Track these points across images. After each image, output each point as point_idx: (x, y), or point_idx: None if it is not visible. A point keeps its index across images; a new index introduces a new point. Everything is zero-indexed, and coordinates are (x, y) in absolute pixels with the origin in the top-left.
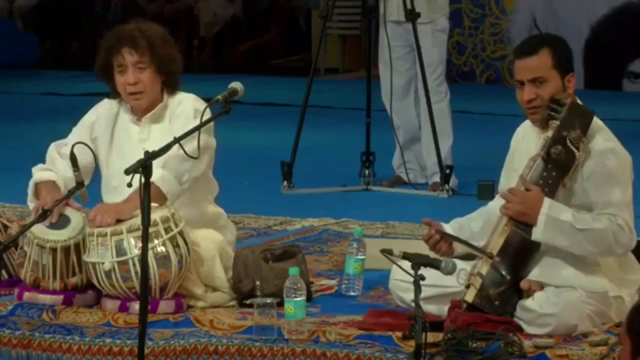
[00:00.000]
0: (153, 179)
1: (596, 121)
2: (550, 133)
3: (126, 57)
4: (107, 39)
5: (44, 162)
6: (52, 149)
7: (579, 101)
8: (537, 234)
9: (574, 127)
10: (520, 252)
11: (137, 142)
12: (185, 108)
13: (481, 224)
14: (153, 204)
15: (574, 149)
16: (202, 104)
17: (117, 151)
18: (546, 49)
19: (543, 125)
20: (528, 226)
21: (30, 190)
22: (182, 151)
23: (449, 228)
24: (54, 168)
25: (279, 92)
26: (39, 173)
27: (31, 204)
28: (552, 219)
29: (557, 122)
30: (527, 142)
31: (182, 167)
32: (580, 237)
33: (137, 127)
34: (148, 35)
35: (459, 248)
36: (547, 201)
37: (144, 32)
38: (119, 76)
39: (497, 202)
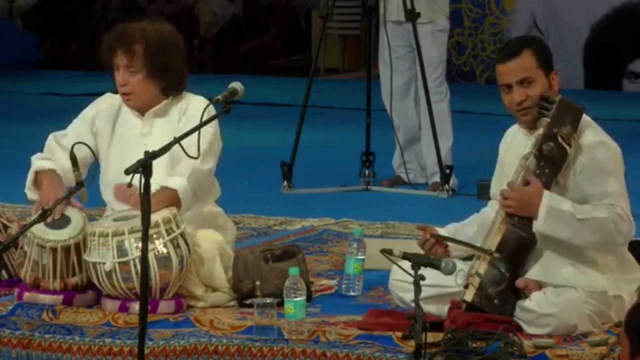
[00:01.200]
0: (176, 186)
1: (585, 117)
2: (541, 131)
3: (119, 58)
4: (109, 35)
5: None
6: (51, 139)
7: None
8: (538, 226)
9: (564, 123)
10: (517, 250)
11: (139, 137)
12: (198, 113)
13: (475, 229)
14: (161, 209)
15: (565, 145)
16: (213, 109)
17: (118, 145)
18: (528, 49)
19: (531, 125)
20: (525, 224)
21: (29, 178)
22: (203, 167)
23: (444, 232)
24: (53, 158)
25: (279, 92)
26: (39, 162)
27: (29, 191)
28: (552, 209)
29: (548, 119)
30: (517, 144)
31: (201, 183)
32: (581, 227)
33: (139, 121)
34: (148, 39)
35: (455, 251)
36: (547, 193)
37: (145, 35)
38: (115, 73)
39: (489, 208)
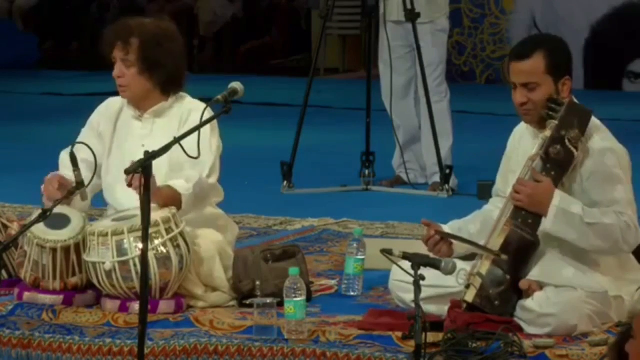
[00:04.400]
0: (179, 188)
1: (594, 120)
2: (548, 133)
3: (116, 51)
4: (107, 31)
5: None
6: (63, 154)
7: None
8: (546, 225)
9: (572, 126)
10: (519, 251)
11: (138, 138)
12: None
13: (479, 227)
14: (161, 208)
15: (572, 148)
16: (211, 113)
17: (118, 145)
18: (541, 52)
19: (540, 125)
20: (528, 226)
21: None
22: (209, 180)
23: (447, 229)
24: (67, 171)
25: (279, 92)
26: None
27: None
28: (562, 210)
29: (556, 122)
30: (524, 142)
31: (204, 195)
32: (588, 231)
33: (139, 122)
34: (144, 35)
35: (459, 249)
36: (557, 193)
37: (142, 30)
38: (115, 67)
39: (491, 206)
